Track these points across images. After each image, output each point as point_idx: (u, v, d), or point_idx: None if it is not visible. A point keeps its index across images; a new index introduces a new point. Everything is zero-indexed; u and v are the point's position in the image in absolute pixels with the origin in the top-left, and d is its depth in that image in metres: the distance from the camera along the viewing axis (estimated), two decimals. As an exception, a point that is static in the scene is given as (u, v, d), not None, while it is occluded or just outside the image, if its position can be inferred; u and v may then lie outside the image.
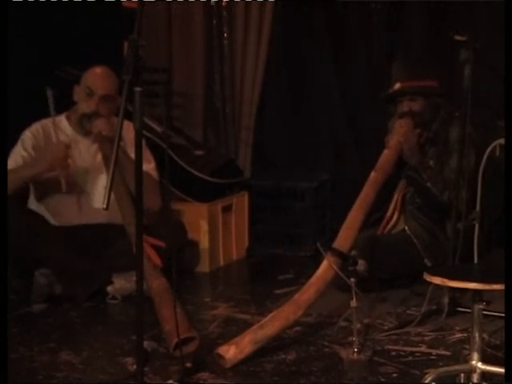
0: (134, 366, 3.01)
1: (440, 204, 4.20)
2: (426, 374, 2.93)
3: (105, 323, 3.89)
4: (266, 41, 5.42)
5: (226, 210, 5.07)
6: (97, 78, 4.23)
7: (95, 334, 3.71)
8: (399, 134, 4.12)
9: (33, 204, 4.32)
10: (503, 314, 2.77)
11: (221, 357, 3.27)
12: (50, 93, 4.09)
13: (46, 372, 3.24)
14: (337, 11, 5.43)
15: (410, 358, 3.36)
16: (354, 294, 3.32)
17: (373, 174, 3.88)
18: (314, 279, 3.57)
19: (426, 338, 3.58)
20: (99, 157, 4.26)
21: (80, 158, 4.30)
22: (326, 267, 3.55)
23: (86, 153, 4.31)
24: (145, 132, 3.81)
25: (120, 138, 2.75)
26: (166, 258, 3.68)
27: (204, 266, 4.84)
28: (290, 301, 3.53)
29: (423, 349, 3.46)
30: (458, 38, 3.70)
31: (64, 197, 4.21)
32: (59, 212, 4.26)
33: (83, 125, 4.25)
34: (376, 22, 5.39)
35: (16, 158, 4.17)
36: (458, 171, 3.83)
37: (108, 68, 4.22)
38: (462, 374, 2.96)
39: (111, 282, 4.17)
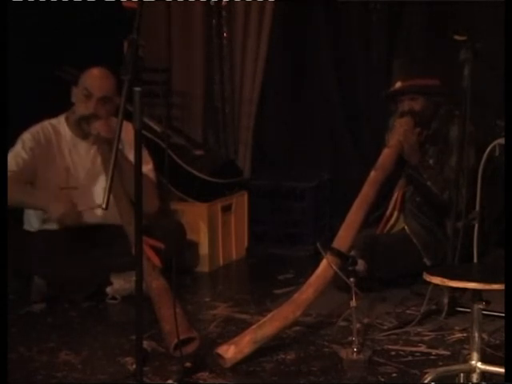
0: (134, 366, 3.01)
1: (440, 203, 4.20)
2: (426, 373, 2.93)
3: (104, 323, 3.89)
4: (266, 41, 5.42)
5: (226, 209, 5.06)
6: (94, 79, 4.20)
7: (95, 334, 3.71)
8: (399, 133, 4.11)
9: (29, 224, 4.30)
10: (503, 314, 2.77)
11: (220, 356, 3.27)
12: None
13: (46, 372, 3.24)
14: (337, 11, 5.43)
15: (410, 358, 3.36)
16: (353, 293, 3.32)
17: (373, 173, 3.88)
18: (313, 279, 3.56)
19: (426, 338, 3.57)
20: (99, 159, 4.24)
21: (79, 161, 4.29)
22: (326, 267, 3.55)
23: (85, 155, 4.30)
24: (144, 132, 3.79)
25: (120, 138, 2.75)
26: (165, 259, 3.68)
27: (203, 266, 4.83)
28: (289, 300, 3.52)
29: (423, 349, 3.46)
30: (457, 37, 3.71)
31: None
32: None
33: (82, 127, 4.22)
34: (376, 21, 5.39)
35: (16, 159, 4.14)
36: (458, 170, 3.83)
37: (106, 69, 4.20)
38: (462, 374, 2.96)
39: (110, 283, 4.17)
